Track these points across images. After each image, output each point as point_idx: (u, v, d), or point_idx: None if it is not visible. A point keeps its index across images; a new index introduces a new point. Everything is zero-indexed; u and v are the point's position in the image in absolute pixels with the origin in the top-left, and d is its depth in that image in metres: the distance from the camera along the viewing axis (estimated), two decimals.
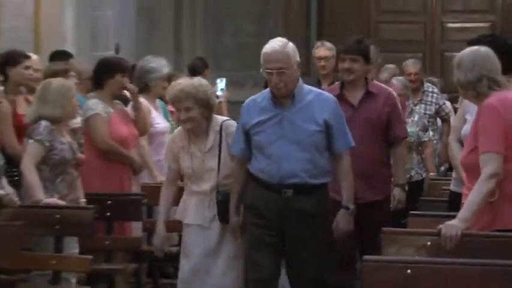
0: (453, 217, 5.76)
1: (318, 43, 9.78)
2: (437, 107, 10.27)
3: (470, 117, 6.70)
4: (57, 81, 7.67)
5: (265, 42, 6.84)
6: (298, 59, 6.51)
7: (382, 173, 7.47)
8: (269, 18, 17.49)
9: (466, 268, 5.02)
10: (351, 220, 6.66)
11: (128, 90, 8.42)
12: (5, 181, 7.05)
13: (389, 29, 18.52)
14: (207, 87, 6.86)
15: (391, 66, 11.35)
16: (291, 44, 6.51)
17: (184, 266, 6.83)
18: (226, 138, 6.81)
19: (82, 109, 8.28)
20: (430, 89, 10.52)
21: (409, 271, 4.94)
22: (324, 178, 6.62)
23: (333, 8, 19.36)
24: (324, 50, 9.14)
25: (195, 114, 6.71)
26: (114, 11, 14.59)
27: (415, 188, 9.07)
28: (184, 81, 6.95)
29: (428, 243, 5.68)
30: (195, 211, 6.82)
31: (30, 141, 7.28)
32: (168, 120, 9.29)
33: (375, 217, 7.07)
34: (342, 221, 6.66)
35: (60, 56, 10.08)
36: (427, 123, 9.79)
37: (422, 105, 10.21)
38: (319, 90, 6.81)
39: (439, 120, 10.84)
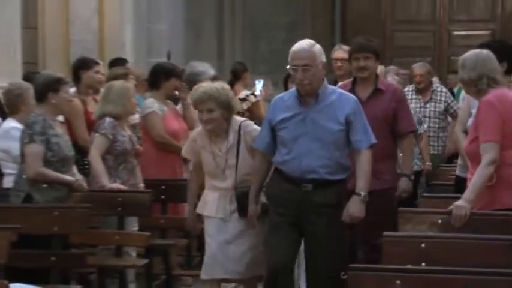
0: (459, 198, 5.76)
1: (336, 46, 9.52)
2: (446, 104, 9.84)
3: (475, 111, 6.60)
4: (118, 84, 7.77)
5: None
6: (323, 59, 6.11)
7: (389, 165, 6.96)
8: (298, 28, 17.45)
9: (471, 242, 5.03)
10: (362, 207, 6.02)
11: (179, 91, 8.43)
12: (75, 169, 7.09)
13: (403, 37, 18.47)
14: (228, 91, 6.44)
15: (393, 67, 11.31)
16: (318, 46, 6.14)
17: (206, 253, 6.51)
18: (245, 137, 6.40)
19: (140, 107, 8.34)
20: (439, 88, 10.14)
21: (423, 245, 4.94)
22: (342, 174, 6.15)
23: (354, 18, 19.40)
24: (341, 52, 8.82)
25: (217, 115, 6.30)
26: (166, 23, 14.69)
27: (415, 177, 8.52)
28: (207, 85, 6.51)
29: (439, 221, 5.71)
30: (217, 205, 6.40)
31: (96, 134, 7.38)
32: None
33: (381, 206, 6.56)
34: (353, 207, 6.03)
35: (118, 62, 10.12)
36: (421, 118, 9.46)
37: (432, 104, 9.83)
38: (342, 91, 6.36)
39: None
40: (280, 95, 6.41)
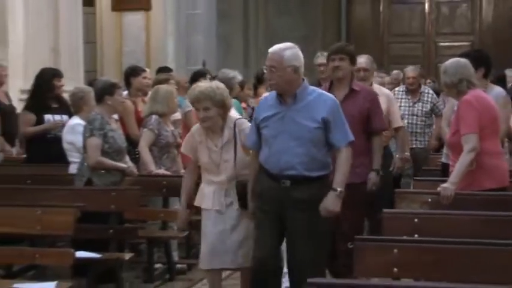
0: (445, 181, 5.76)
1: (318, 53, 8.82)
2: (432, 105, 9.43)
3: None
4: (164, 87, 7.84)
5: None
6: (295, 64, 5.23)
7: (363, 160, 6.22)
8: (310, 41, 17.33)
9: (457, 217, 5.04)
10: (337, 202, 5.18)
11: None
12: (128, 158, 7.12)
13: (397, 47, 18.46)
14: (222, 90, 5.70)
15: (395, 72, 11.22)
16: (290, 51, 5.29)
17: (204, 244, 5.76)
18: (239, 134, 5.70)
19: (181, 107, 8.38)
20: (427, 91, 9.69)
21: (416, 220, 4.94)
22: (321, 171, 5.29)
23: (357, 33, 19.55)
24: (322, 58, 8.47)
25: (212, 113, 5.60)
26: (202, 37, 14.72)
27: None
28: (203, 84, 5.84)
29: (429, 199, 5.73)
30: (213, 198, 5.66)
31: (145, 129, 7.42)
32: (241, 114, 9.25)
33: (355, 197, 5.89)
34: (328, 202, 5.18)
35: (164, 70, 10.17)
36: (407, 117, 9.14)
37: (420, 104, 9.38)
38: (322, 91, 5.57)
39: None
40: (265, 94, 5.78)
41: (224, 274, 6.15)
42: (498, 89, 6.95)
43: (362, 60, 7.34)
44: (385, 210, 5.24)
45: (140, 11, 13.88)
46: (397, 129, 7.51)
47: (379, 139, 6.43)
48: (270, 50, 5.34)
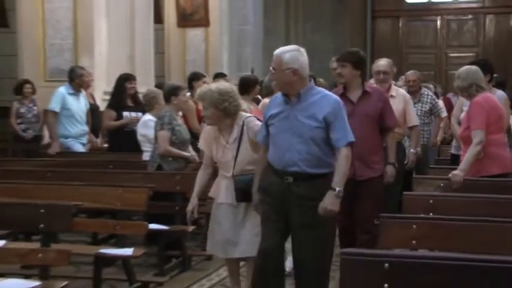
0: (454, 169, 5.71)
1: (333, 58, 8.38)
2: (430, 105, 8.75)
3: (466, 108, 6.60)
4: None
5: None
6: (293, 66, 4.56)
7: (377, 155, 5.75)
8: (340, 51, 17.21)
9: (465, 199, 4.96)
10: (335, 201, 4.50)
11: (260, 95, 8.40)
12: (191, 148, 7.13)
13: (414, 57, 18.29)
14: (219, 93, 5.01)
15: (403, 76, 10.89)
16: (290, 54, 4.61)
17: (215, 234, 5.20)
18: (248, 132, 5.09)
19: None
20: (426, 93, 8.96)
21: (431, 201, 4.87)
22: (324, 169, 4.61)
23: (379, 45, 19.39)
24: (335, 64, 8.13)
25: (209, 113, 5.05)
26: (250, 48, 14.76)
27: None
28: (204, 87, 5.32)
29: (441, 184, 5.65)
30: (225, 192, 5.09)
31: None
32: None
33: (373, 189, 5.61)
34: (327, 201, 4.50)
35: (219, 75, 10.18)
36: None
37: (420, 104, 8.66)
38: (327, 92, 4.85)
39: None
40: (277, 93, 4.93)
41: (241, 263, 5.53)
42: (500, 92, 7.02)
43: (382, 63, 6.98)
44: (404, 192, 5.18)
45: (200, 27, 13.97)
46: (412, 128, 7.09)
47: (392, 135, 5.96)
48: (275, 52, 4.72)
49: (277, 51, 4.66)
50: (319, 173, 4.57)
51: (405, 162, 7.03)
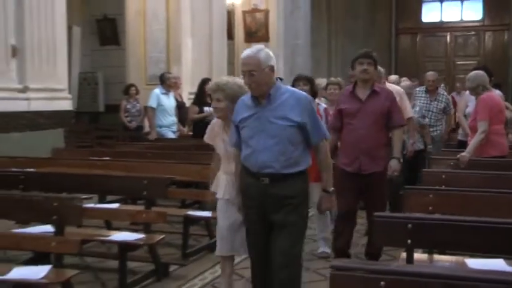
0: (461, 151, 5.62)
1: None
2: (445, 104, 8.20)
3: (470, 104, 6.62)
4: None
5: None
6: (271, 63, 3.55)
7: (383, 151, 4.93)
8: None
9: (471, 175, 4.84)
10: (332, 200, 3.75)
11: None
12: None
13: (429, 65, 17.80)
14: (236, 86, 3.91)
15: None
16: (265, 51, 3.57)
17: (219, 227, 4.04)
18: None
19: None
20: (442, 92, 8.48)
21: (443, 176, 4.78)
22: (299, 167, 3.54)
23: (401, 55, 19.35)
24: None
25: (223, 105, 3.92)
26: (301, 58, 14.62)
27: (418, 153, 7.19)
28: (222, 78, 4.08)
29: (452, 163, 5.53)
30: (225, 188, 3.99)
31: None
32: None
33: (376, 183, 4.85)
34: (324, 201, 3.69)
35: (276, 79, 10.10)
36: (424, 113, 7.75)
37: (436, 102, 8.13)
38: (295, 90, 3.75)
39: None
40: (242, 97, 3.76)
41: (238, 259, 4.56)
42: (497, 91, 6.86)
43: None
44: (423, 170, 5.11)
45: (262, 42, 13.87)
46: (408, 120, 6.24)
47: (399, 132, 5.06)
48: (244, 55, 3.59)
49: (249, 53, 3.58)
50: (294, 172, 3.53)
51: (404, 152, 6.49)
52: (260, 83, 3.52)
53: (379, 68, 5.99)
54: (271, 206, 3.53)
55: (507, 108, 7.07)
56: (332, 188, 3.67)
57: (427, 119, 7.79)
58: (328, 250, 5.40)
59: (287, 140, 3.50)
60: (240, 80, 3.91)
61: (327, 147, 3.66)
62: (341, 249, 4.96)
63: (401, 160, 5.11)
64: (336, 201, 4.18)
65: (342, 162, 4.89)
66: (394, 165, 4.95)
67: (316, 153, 3.63)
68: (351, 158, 4.85)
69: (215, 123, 4.14)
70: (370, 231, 5.00)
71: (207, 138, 4.20)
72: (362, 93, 4.89)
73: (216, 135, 4.08)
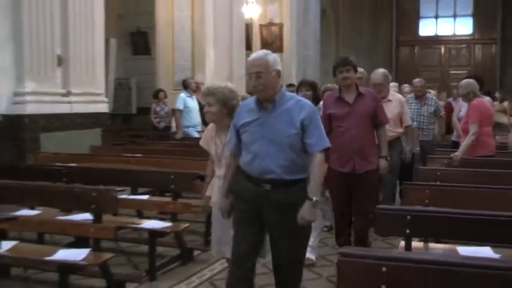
0: (455, 151, 5.58)
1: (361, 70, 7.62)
2: (435, 108, 7.59)
3: (463, 109, 6.51)
4: None
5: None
6: (278, 68, 3.15)
7: (372, 150, 4.58)
8: (373, 70, 17.03)
9: (463, 172, 4.81)
10: (312, 211, 3.03)
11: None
12: None
13: (425, 73, 17.86)
14: (227, 90, 3.55)
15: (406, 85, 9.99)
16: (272, 55, 3.17)
17: (213, 233, 3.69)
18: None
19: None
20: (430, 97, 7.86)
21: (438, 173, 4.74)
22: (301, 174, 3.10)
23: (401, 64, 19.48)
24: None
25: (214, 110, 3.53)
26: (311, 68, 14.62)
27: (412, 155, 6.58)
28: (214, 83, 3.70)
29: (445, 161, 5.49)
30: (217, 192, 3.55)
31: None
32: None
33: (369, 181, 4.53)
34: (305, 211, 3.02)
35: (289, 85, 10.24)
36: (413, 117, 7.10)
37: (426, 107, 7.55)
38: (300, 98, 3.25)
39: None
40: (246, 101, 3.37)
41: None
42: (487, 98, 6.90)
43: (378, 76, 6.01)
44: (418, 167, 5.07)
45: (277, 52, 13.88)
46: (407, 127, 6.06)
47: (383, 130, 4.70)
48: (252, 57, 3.20)
49: (257, 56, 3.19)
50: (296, 179, 3.12)
51: (402, 156, 6.22)
52: (267, 85, 3.13)
53: (386, 73, 6.02)
54: (270, 213, 3.11)
55: (506, 113, 6.98)
56: (316, 199, 3.05)
57: (415, 123, 7.30)
58: (313, 257, 4.78)
59: (290, 147, 3.11)
60: (231, 85, 3.64)
61: (322, 158, 3.15)
62: (343, 245, 4.74)
63: (389, 158, 4.77)
64: (319, 213, 3.84)
65: (334, 164, 4.58)
66: (382, 164, 4.64)
67: (310, 161, 3.11)
68: (345, 159, 4.54)
69: (210, 127, 3.76)
70: (356, 221, 4.67)
71: (201, 143, 3.79)
72: (349, 97, 4.59)
73: (210, 139, 3.71)
